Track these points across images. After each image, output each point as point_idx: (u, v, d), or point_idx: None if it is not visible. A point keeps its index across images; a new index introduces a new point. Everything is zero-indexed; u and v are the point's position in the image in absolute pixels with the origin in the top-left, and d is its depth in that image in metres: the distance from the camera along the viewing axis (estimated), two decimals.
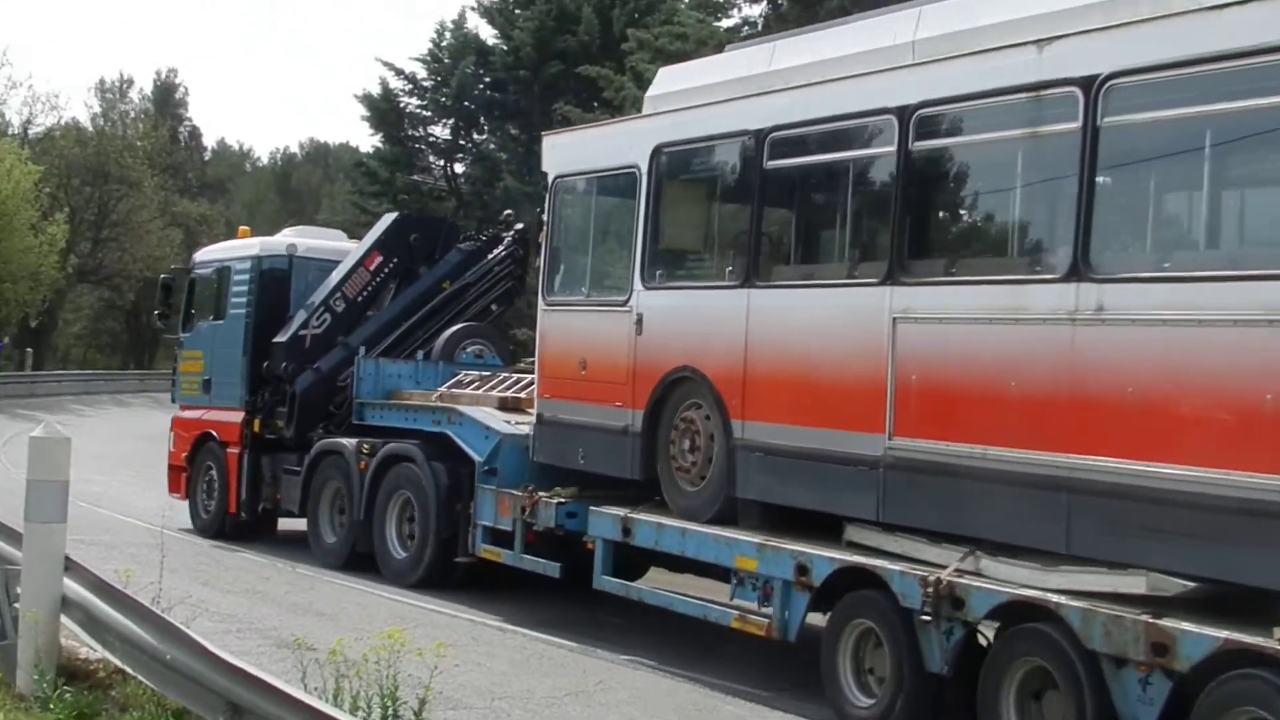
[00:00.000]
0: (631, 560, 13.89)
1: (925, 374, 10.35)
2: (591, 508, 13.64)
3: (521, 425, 15.23)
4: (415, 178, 37.88)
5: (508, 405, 16.10)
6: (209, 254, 21.44)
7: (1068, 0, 9.72)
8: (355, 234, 23.06)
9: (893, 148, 10.76)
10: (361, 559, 17.12)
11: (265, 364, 18.84)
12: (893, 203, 10.83)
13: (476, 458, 15.41)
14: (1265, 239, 9.21)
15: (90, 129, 72.15)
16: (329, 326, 18.68)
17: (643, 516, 13.00)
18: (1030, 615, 9.23)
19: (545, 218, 15.04)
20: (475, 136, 38.78)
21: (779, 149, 11.91)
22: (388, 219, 19.92)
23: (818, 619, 11.27)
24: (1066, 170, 9.45)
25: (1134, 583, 8.76)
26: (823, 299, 11.70)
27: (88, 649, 10.18)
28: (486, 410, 16.01)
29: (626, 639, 13.89)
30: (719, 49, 22.52)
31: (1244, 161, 9.26)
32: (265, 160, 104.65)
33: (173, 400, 21.91)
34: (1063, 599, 9.00)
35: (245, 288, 19.44)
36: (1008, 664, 9.39)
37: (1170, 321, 8.69)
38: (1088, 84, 9.19)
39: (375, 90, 37.25)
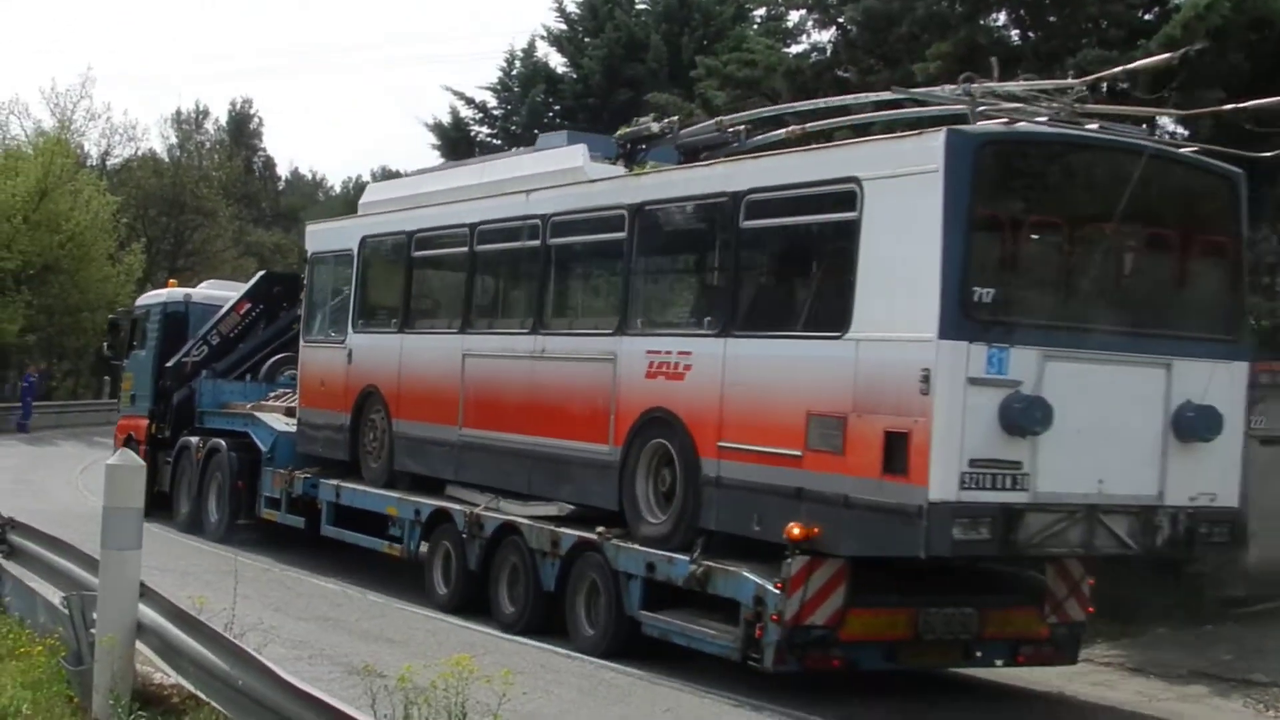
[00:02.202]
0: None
1: (476, 389, 16.83)
2: (321, 480, 19.83)
3: (293, 426, 21.16)
4: None
5: (290, 413, 21.62)
6: (142, 300, 27.77)
7: (531, 169, 16.72)
8: None
9: (466, 249, 17.42)
10: (199, 524, 22.83)
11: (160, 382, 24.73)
12: (465, 284, 17.70)
13: (263, 449, 21.65)
14: (597, 312, 16.33)
15: (167, 160, 72.91)
16: (206, 355, 24.22)
17: (346, 485, 19.23)
18: (513, 530, 15.58)
19: (304, 282, 21.65)
20: None
21: (418, 245, 18.42)
22: (258, 275, 26.62)
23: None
24: (532, 272, 16.50)
25: (553, 508, 15.36)
26: (434, 341, 18.08)
27: (162, 674, 10.28)
28: (274, 416, 22.08)
29: (688, 668, 13.85)
30: (789, 76, 22.58)
31: (564, 269, 16.97)
32: (338, 189, 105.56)
33: (118, 411, 28.48)
34: (524, 520, 15.50)
35: (156, 326, 25.44)
36: (499, 558, 15.89)
37: (566, 358, 15.44)
38: (545, 219, 15.83)
39: (445, 119, 37.49)
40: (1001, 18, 21.22)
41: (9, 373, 58.29)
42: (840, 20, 22.89)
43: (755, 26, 34.70)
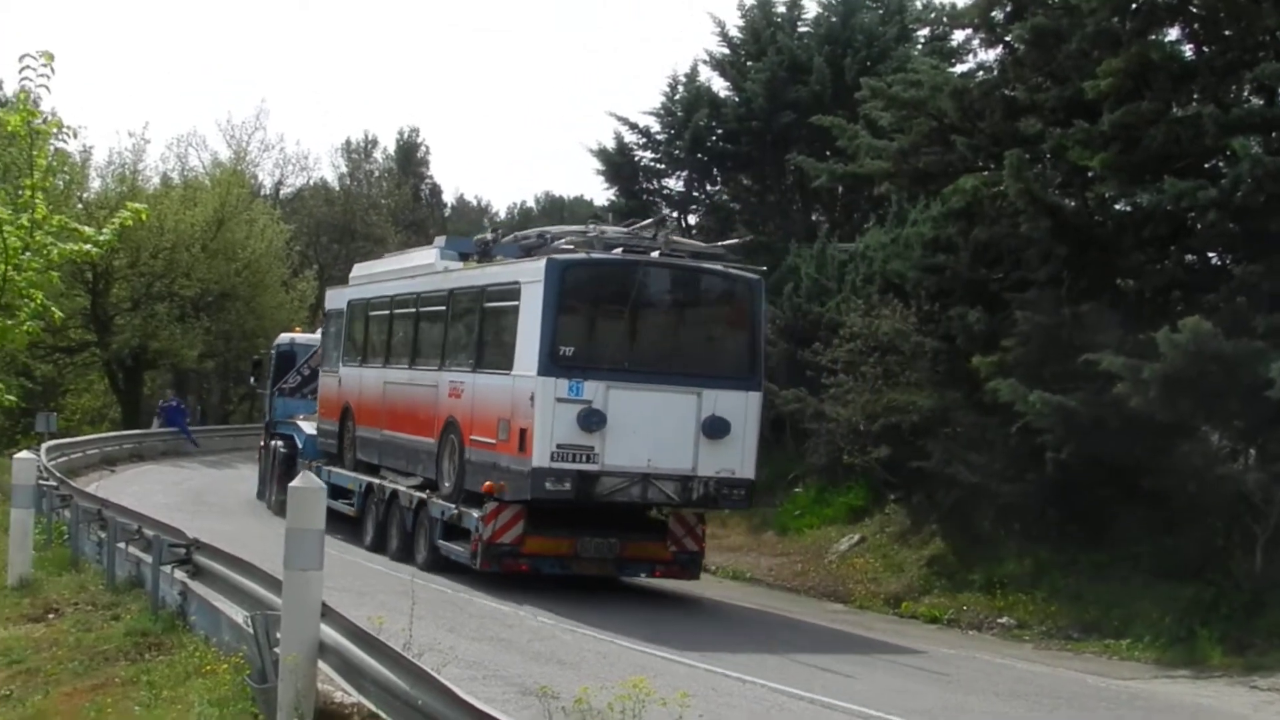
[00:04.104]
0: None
1: (388, 405, 24.80)
2: (323, 468, 26.66)
3: (315, 430, 29.40)
4: None
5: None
6: (275, 342, 35.68)
7: (418, 260, 25.52)
8: None
9: (388, 311, 25.56)
10: (265, 498, 31.49)
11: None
12: (387, 334, 25.74)
13: (299, 445, 30.22)
14: (434, 356, 22.98)
15: (337, 188, 74.46)
16: (298, 383, 32.64)
17: (334, 469, 26.73)
18: (395, 496, 23.19)
19: (321, 330, 31.54)
20: (708, 188, 38.98)
21: (370, 307, 26.64)
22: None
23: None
24: (412, 328, 24.66)
25: (411, 481, 23.01)
26: (374, 372, 25.86)
27: (342, 693, 10.47)
28: (309, 424, 30.10)
29: (855, 690, 13.78)
30: (955, 96, 22.38)
31: (451, 330, 22.88)
32: (502, 214, 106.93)
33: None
34: (400, 489, 23.13)
35: (274, 362, 34.16)
36: (391, 512, 23.50)
37: (419, 385, 23.19)
38: (417, 295, 24.20)
39: (609, 144, 37.77)
40: (1174, 32, 20.78)
41: (188, 397, 59.91)
42: (1007, 38, 22.62)
43: (919, 46, 34.43)
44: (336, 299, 29.25)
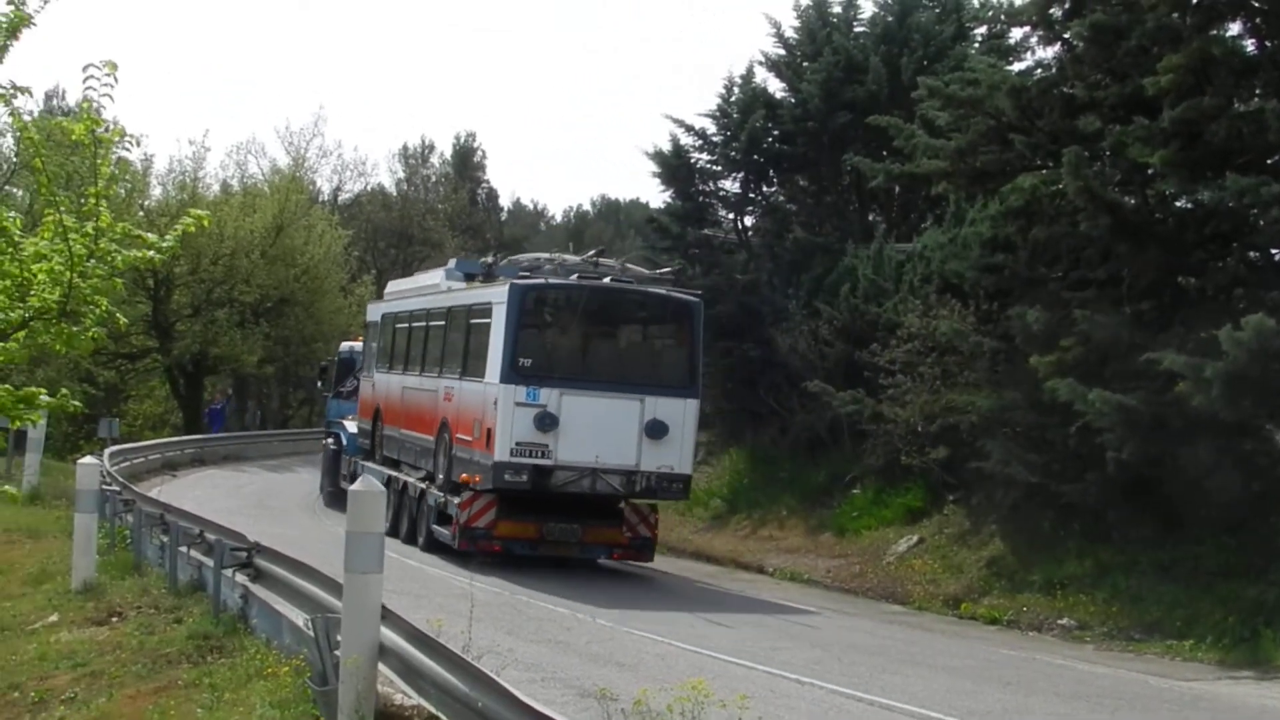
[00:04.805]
0: None
1: (404, 406, 27.74)
2: (359, 462, 30.29)
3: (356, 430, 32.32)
4: (706, 231, 37.95)
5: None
6: (338, 350, 38.49)
7: (427, 281, 29.69)
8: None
9: (408, 324, 28.49)
10: (320, 490, 34.64)
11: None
12: (406, 344, 28.41)
13: (345, 443, 32.94)
14: (435, 364, 26.00)
15: (394, 193, 74.90)
16: (355, 387, 33.81)
17: (366, 464, 29.46)
18: (406, 487, 26.17)
19: (363, 340, 34.18)
20: (764, 189, 38.82)
21: (395, 320, 29.66)
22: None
23: None
24: (422, 339, 27.57)
25: (419, 474, 26.32)
26: (396, 378, 28.65)
27: (402, 695, 10.52)
28: (352, 424, 32.70)
29: (914, 691, 13.72)
30: (1013, 94, 22.24)
31: (447, 342, 25.81)
32: (559, 218, 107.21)
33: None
34: (410, 480, 26.32)
35: (336, 369, 36.85)
36: (404, 501, 26.15)
37: (424, 389, 26.31)
38: (426, 310, 27.63)
39: (665, 147, 37.69)
40: (1235, 27, 20.55)
41: (249, 402, 60.37)
42: (1066, 36, 22.45)
43: (976, 45, 34.20)
44: (374, 312, 32.75)
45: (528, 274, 23.81)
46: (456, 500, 22.90)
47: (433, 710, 9.79)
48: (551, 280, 23.21)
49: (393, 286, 33.64)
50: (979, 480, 23.87)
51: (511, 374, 21.89)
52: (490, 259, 26.35)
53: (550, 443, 21.83)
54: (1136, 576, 19.93)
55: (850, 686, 13.90)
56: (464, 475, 22.74)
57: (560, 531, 22.86)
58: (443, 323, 26.06)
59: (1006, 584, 21.62)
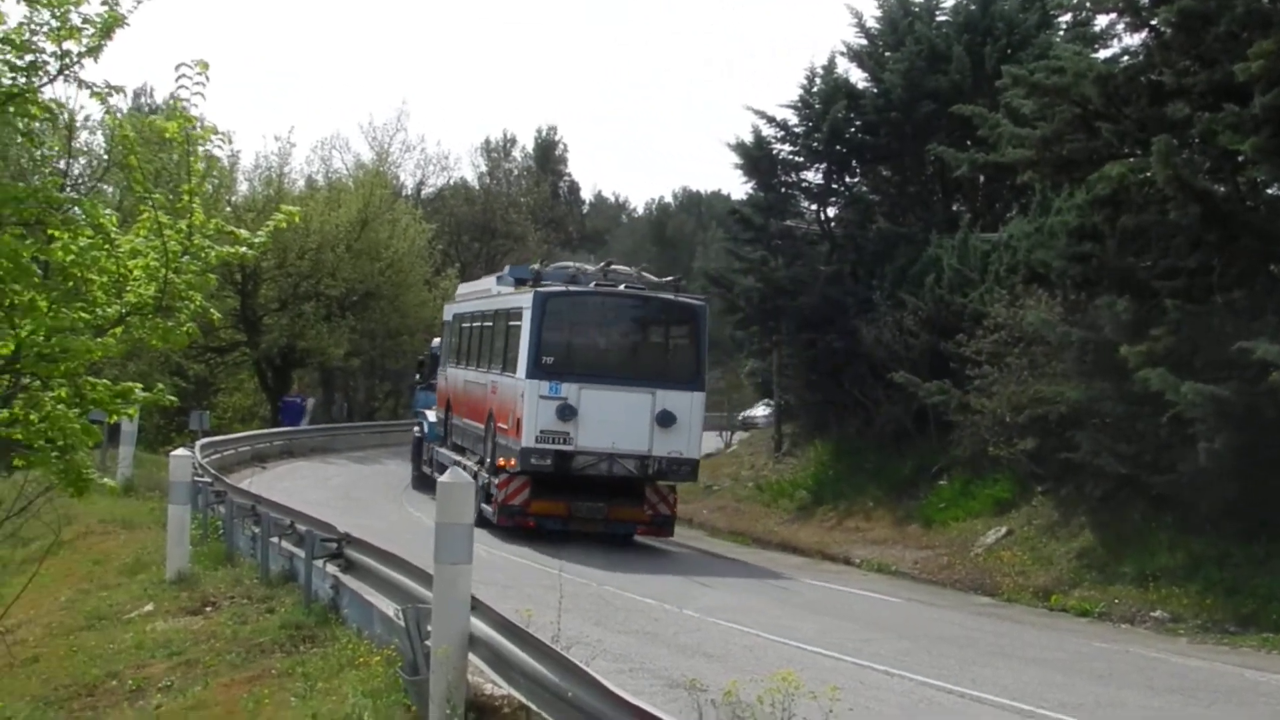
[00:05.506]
0: None
1: (465, 398, 30.83)
2: (438, 449, 32.86)
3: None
4: (788, 223, 37.88)
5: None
6: (430, 345, 39.94)
7: (481, 287, 33.24)
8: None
9: (469, 324, 31.77)
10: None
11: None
12: (469, 342, 31.40)
13: (426, 429, 35.18)
14: (487, 361, 28.85)
15: (477, 187, 75.24)
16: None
17: (439, 449, 32.42)
18: (468, 470, 24.99)
19: (440, 338, 36.76)
20: (847, 180, 38.66)
21: (460, 320, 32.81)
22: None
23: None
24: (479, 338, 30.31)
25: (474, 458, 28.45)
26: (462, 372, 31.38)
27: (492, 685, 10.59)
28: (431, 413, 34.68)
29: (1005, 683, 13.64)
30: (1099, 82, 22.00)
31: (494, 341, 28.63)
32: (640, 210, 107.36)
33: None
34: (466, 464, 27.37)
35: (428, 363, 38.40)
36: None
37: (479, 383, 29.23)
38: (481, 312, 30.64)
39: (747, 138, 37.60)
40: None
41: (335, 395, 60.93)
42: (1153, 22, 22.18)
43: (1061, 33, 33.86)
44: (448, 312, 36.04)
45: (570, 281, 26.52)
46: (496, 481, 25.75)
47: (523, 700, 9.83)
48: (571, 287, 26.03)
49: (462, 289, 37.21)
50: (1068, 471, 23.66)
51: (536, 370, 24.80)
52: (537, 265, 29.14)
53: (571, 431, 24.63)
54: (1231, 569, 19.69)
55: (939, 678, 13.84)
56: (501, 460, 25.78)
57: (587, 510, 25.51)
58: (491, 324, 28.99)
59: (1097, 576, 21.42)
